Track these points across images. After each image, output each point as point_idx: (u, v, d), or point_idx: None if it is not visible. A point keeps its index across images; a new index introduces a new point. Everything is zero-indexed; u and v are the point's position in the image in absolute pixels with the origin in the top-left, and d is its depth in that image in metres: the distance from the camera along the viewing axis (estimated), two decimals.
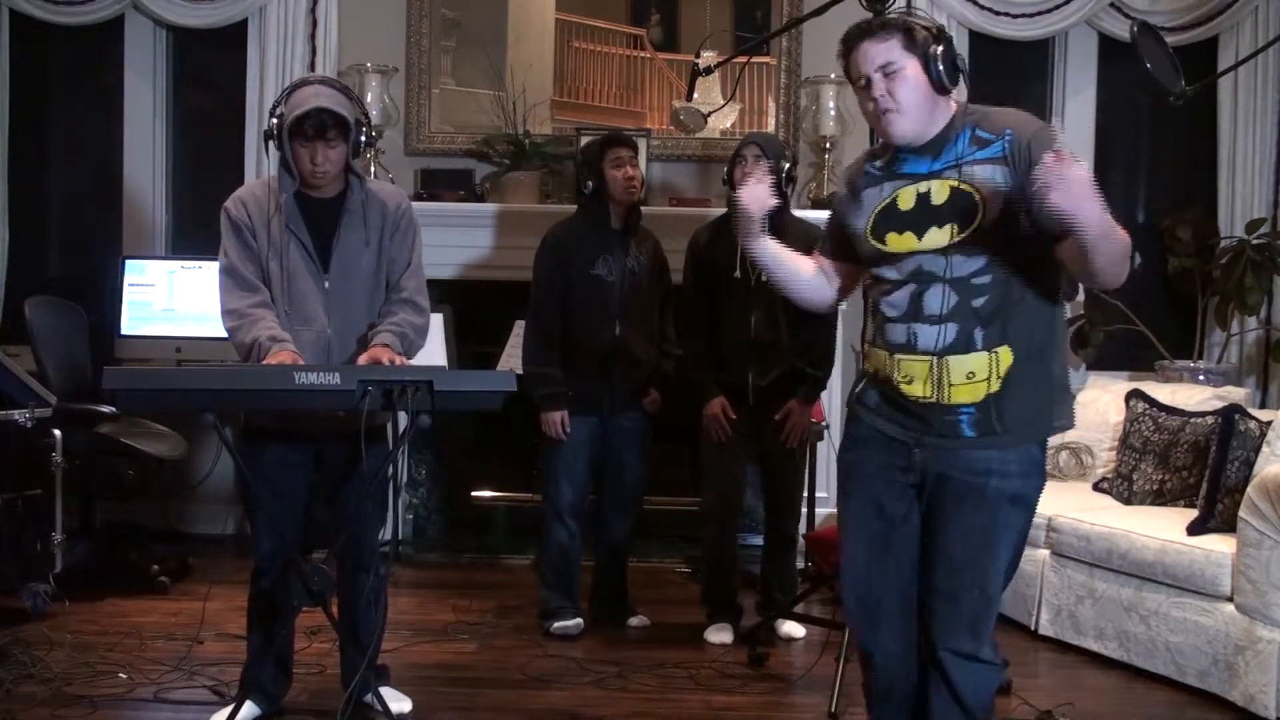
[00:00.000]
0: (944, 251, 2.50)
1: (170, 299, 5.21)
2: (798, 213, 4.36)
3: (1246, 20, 5.37)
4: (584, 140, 4.96)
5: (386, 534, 4.68)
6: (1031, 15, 5.41)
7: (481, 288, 5.31)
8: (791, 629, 4.23)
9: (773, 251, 2.75)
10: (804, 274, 2.80)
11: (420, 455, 5.54)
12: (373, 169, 5.12)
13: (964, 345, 2.50)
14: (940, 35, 2.54)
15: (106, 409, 4.39)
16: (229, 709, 3.25)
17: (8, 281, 5.55)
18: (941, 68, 2.51)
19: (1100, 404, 4.84)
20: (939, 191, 2.52)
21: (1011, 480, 2.54)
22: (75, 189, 5.79)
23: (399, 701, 3.42)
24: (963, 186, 2.50)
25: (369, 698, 3.26)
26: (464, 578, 5.02)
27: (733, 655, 4.01)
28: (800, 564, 4.69)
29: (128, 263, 5.28)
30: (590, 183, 4.15)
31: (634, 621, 4.34)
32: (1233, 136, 5.43)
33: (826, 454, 4.92)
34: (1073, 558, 4.17)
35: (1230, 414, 3.98)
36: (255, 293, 3.18)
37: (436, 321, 4.45)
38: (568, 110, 5.49)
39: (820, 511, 5.07)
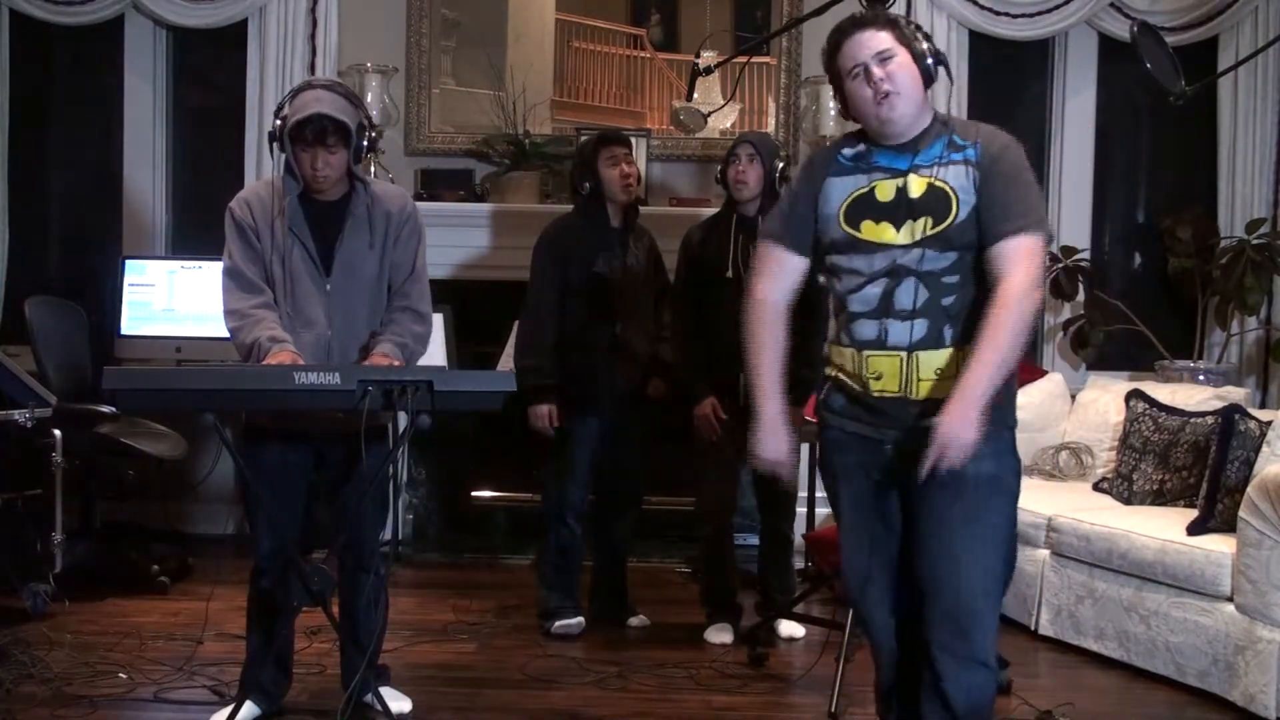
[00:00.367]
0: (919, 245, 2.54)
1: (170, 299, 5.21)
2: None
3: (1246, 20, 5.37)
4: (580, 140, 4.96)
5: (386, 534, 4.67)
6: (1031, 15, 5.42)
7: (481, 288, 5.31)
8: (791, 629, 4.23)
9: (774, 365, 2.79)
10: (780, 334, 2.81)
11: (420, 455, 5.54)
12: (373, 169, 5.12)
13: (934, 341, 2.55)
14: (919, 30, 2.64)
15: (106, 409, 4.39)
16: (229, 709, 3.25)
17: (8, 281, 5.55)
18: (930, 62, 2.60)
19: (1100, 404, 4.84)
20: (916, 186, 2.57)
21: (985, 462, 2.54)
22: (75, 189, 5.79)
23: (399, 701, 3.42)
24: (938, 184, 2.56)
25: (369, 698, 3.26)
26: (464, 578, 5.02)
27: (733, 655, 4.01)
28: (800, 564, 4.69)
29: (128, 263, 5.28)
30: (587, 184, 4.14)
31: (634, 621, 4.34)
32: (1233, 136, 5.43)
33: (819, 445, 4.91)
34: (1073, 558, 4.17)
35: (1230, 414, 3.98)
36: (258, 294, 3.17)
37: (436, 321, 4.44)
38: (568, 110, 5.49)
39: (820, 511, 5.07)
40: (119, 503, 5.07)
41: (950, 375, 2.54)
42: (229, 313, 3.17)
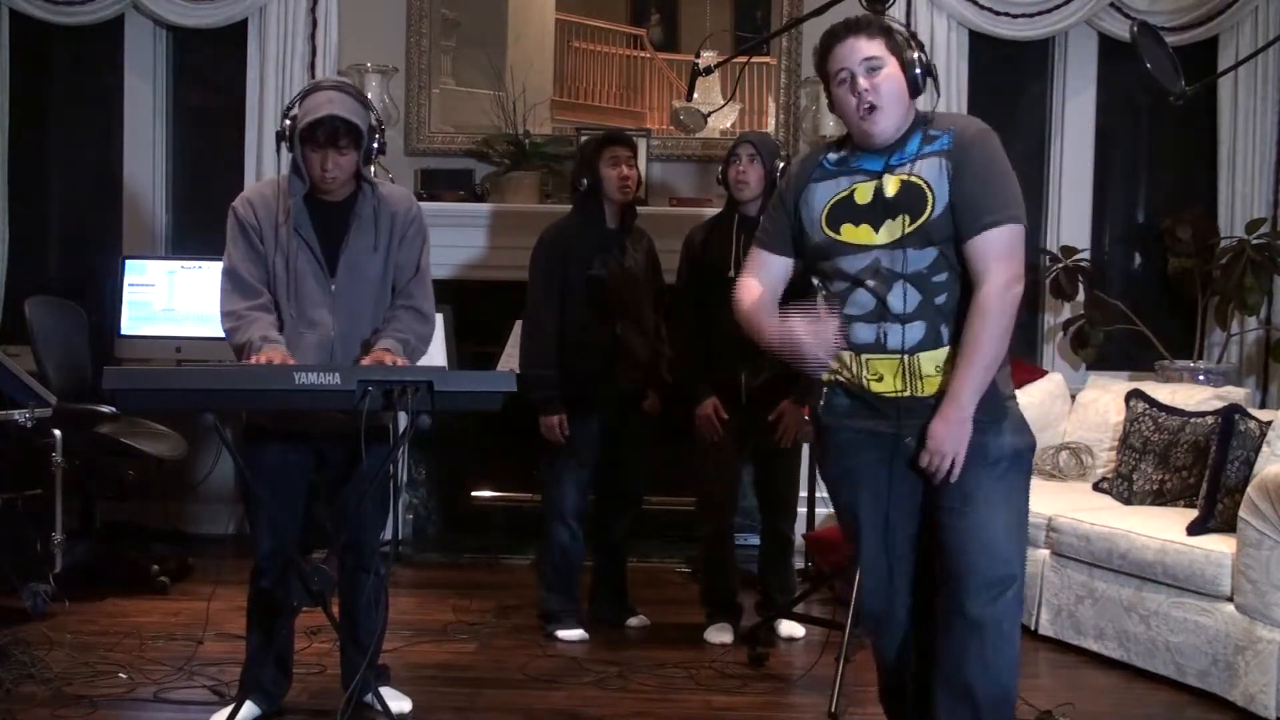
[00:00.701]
0: (898, 243, 2.56)
1: (170, 299, 5.21)
2: None
3: (1246, 20, 5.38)
4: (583, 139, 4.96)
5: (386, 534, 4.67)
6: (1031, 15, 5.42)
7: (481, 288, 5.31)
8: (791, 629, 4.23)
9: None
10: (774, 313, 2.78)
11: (420, 455, 5.54)
12: (373, 169, 5.11)
13: (932, 342, 2.57)
14: (913, 39, 2.64)
15: (106, 409, 4.39)
16: (229, 709, 3.25)
17: (8, 281, 5.55)
18: (919, 72, 2.60)
19: (1100, 404, 4.84)
20: (891, 185, 2.59)
21: (1005, 436, 2.59)
22: (75, 189, 5.79)
23: (399, 701, 3.42)
24: (912, 179, 2.57)
25: (369, 698, 3.26)
26: (464, 578, 5.02)
27: (733, 655, 4.01)
28: (800, 564, 4.69)
29: (128, 263, 5.28)
30: (585, 180, 4.13)
31: (634, 621, 4.34)
32: (1233, 136, 5.43)
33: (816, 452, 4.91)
34: (1073, 558, 4.17)
35: (1230, 414, 3.98)
36: (255, 295, 3.17)
37: (436, 321, 4.45)
38: (568, 110, 5.49)
39: (820, 511, 5.07)
40: (119, 503, 5.07)
41: (951, 368, 2.57)
42: (225, 314, 3.17)
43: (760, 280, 2.79)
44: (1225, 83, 5.38)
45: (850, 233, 2.61)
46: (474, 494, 5.68)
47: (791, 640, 4.20)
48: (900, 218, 2.56)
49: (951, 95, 5.31)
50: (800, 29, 5.31)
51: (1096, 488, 4.60)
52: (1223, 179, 5.48)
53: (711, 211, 4.46)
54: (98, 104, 5.72)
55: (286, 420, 3.16)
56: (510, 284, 4.96)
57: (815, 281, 2.76)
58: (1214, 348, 5.42)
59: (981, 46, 5.51)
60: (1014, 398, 2.69)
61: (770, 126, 5.45)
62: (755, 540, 4.58)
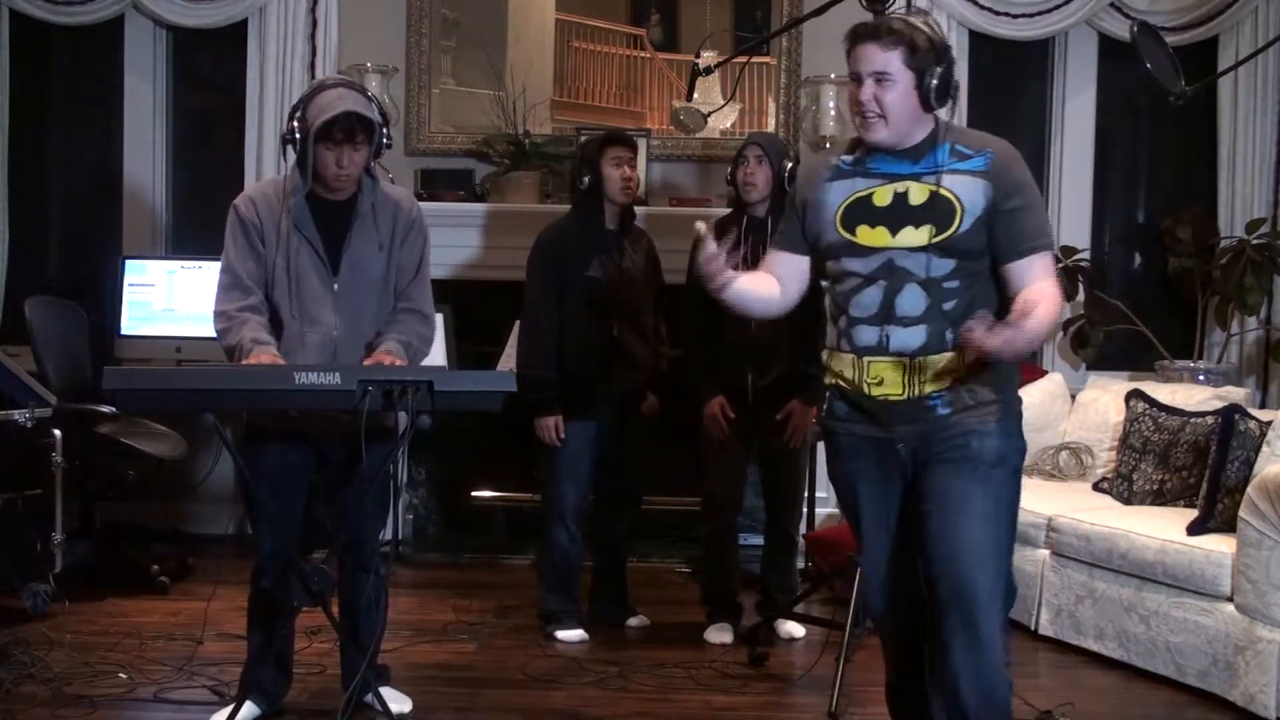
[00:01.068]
0: (921, 250, 2.55)
1: (170, 299, 5.21)
2: None
3: (1246, 20, 5.37)
4: (584, 138, 4.96)
5: (387, 534, 4.68)
6: (1031, 15, 5.41)
7: (481, 288, 5.31)
8: (791, 629, 4.23)
9: (737, 292, 2.73)
10: (761, 295, 2.80)
11: (420, 455, 5.53)
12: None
13: (936, 347, 2.57)
14: (943, 55, 2.57)
15: (106, 409, 4.39)
16: (229, 709, 3.25)
17: (8, 281, 5.55)
18: (934, 86, 2.55)
19: (1100, 404, 4.84)
20: (917, 193, 2.58)
21: (991, 439, 2.57)
22: (75, 189, 5.79)
23: (399, 701, 3.42)
24: (943, 192, 2.56)
25: (369, 698, 3.26)
26: (464, 578, 5.02)
27: (733, 655, 4.01)
28: (800, 564, 4.69)
29: (128, 263, 5.28)
30: (587, 179, 4.12)
31: (634, 621, 4.34)
32: (1233, 136, 5.43)
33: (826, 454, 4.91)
34: (1073, 558, 4.17)
35: (1230, 414, 3.98)
36: (247, 295, 3.17)
37: (436, 321, 4.45)
38: (568, 110, 5.49)
39: (820, 511, 5.08)
40: (119, 503, 5.07)
41: (953, 374, 2.55)
42: (217, 314, 3.18)
43: (769, 271, 2.80)
44: (1225, 83, 5.37)
45: (866, 235, 2.61)
46: (474, 494, 5.67)
47: (791, 640, 4.21)
48: (925, 227, 2.56)
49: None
50: (800, 29, 5.31)
51: (1096, 488, 4.60)
52: (1223, 179, 5.48)
53: (713, 211, 4.46)
54: (98, 104, 5.72)
55: (289, 420, 3.17)
56: (510, 284, 4.95)
57: (823, 283, 2.76)
58: (1214, 348, 5.42)
59: (981, 46, 5.50)
60: (1017, 403, 2.67)
61: (770, 126, 5.45)
62: (757, 540, 4.59)
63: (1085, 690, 3.78)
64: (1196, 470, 4.15)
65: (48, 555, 4.24)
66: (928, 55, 2.54)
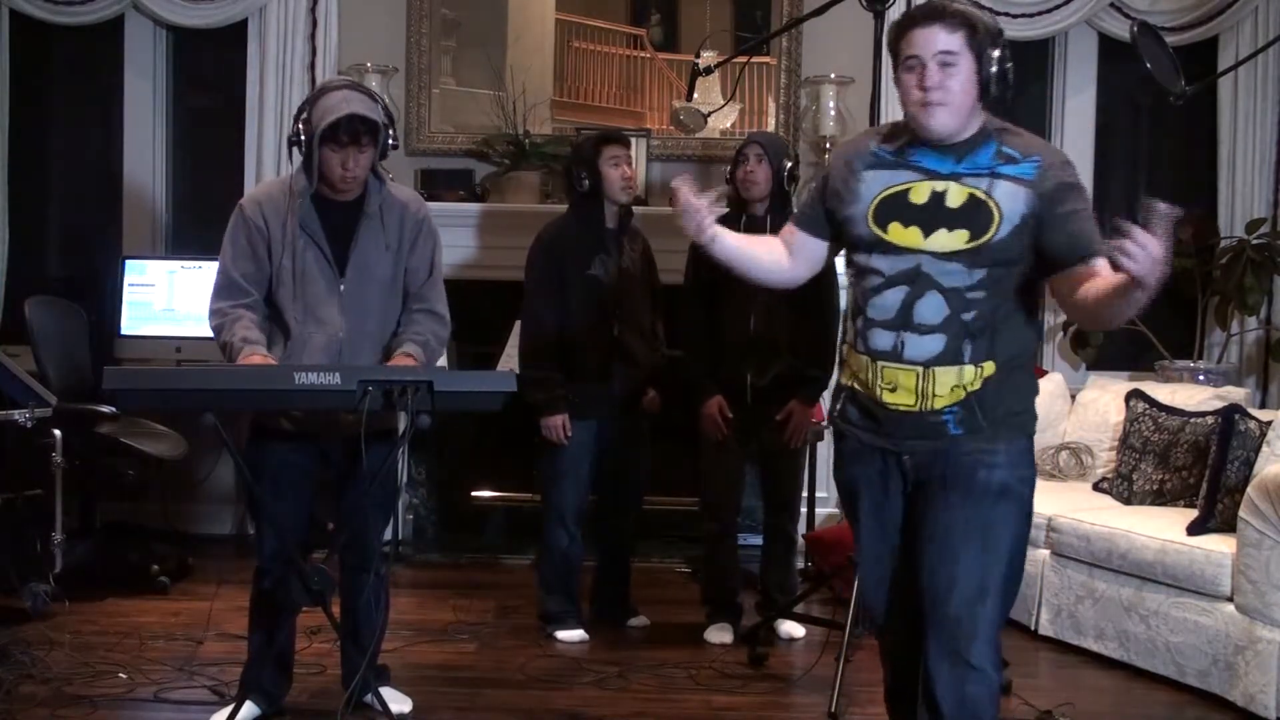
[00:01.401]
0: (950, 257, 2.46)
1: (170, 299, 5.21)
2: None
3: (1246, 20, 5.37)
4: (579, 138, 4.96)
5: (387, 534, 4.68)
6: (1031, 15, 5.41)
7: (481, 288, 5.30)
8: (791, 629, 4.23)
9: (729, 247, 2.71)
10: (761, 258, 2.75)
11: (420, 455, 5.53)
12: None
13: (952, 358, 2.49)
14: (999, 39, 2.48)
15: (106, 409, 4.39)
16: (229, 709, 3.25)
17: (8, 281, 5.55)
18: (994, 73, 2.46)
19: (1100, 404, 4.84)
20: (956, 195, 2.48)
21: (998, 471, 2.51)
22: (75, 189, 5.79)
23: (399, 702, 3.42)
24: (981, 196, 2.47)
25: (369, 698, 3.26)
26: (464, 578, 5.02)
27: (733, 655, 4.01)
28: (800, 564, 4.69)
29: (128, 263, 5.28)
30: (587, 181, 4.12)
31: (634, 621, 4.34)
32: (1233, 136, 5.43)
33: (826, 454, 4.91)
34: (1073, 558, 4.17)
35: (1230, 414, 3.98)
36: (242, 295, 3.18)
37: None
38: (568, 110, 5.49)
39: (820, 511, 5.07)
40: (119, 503, 5.08)
41: (967, 387, 2.49)
42: (212, 312, 3.19)
43: (782, 240, 2.75)
44: (1225, 83, 5.37)
45: (897, 233, 2.50)
46: (474, 494, 5.67)
47: (791, 640, 4.20)
48: (958, 231, 2.46)
49: None
50: (800, 29, 5.31)
51: (1096, 488, 4.60)
52: (1223, 179, 5.48)
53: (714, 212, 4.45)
54: (98, 104, 5.72)
55: (294, 420, 3.17)
56: (510, 284, 4.95)
57: (849, 272, 2.65)
58: (1214, 348, 5.42)
59: None
60: (1033, 421, 2.60)
61: (770, 126, 5.45)
62: (757, 540, 4.58)
63: (1085, 690, 3.78)
64: (1196, 470, 4.15)
65: (48, 555, 4.25)
66: (986, 39, 2.46)
